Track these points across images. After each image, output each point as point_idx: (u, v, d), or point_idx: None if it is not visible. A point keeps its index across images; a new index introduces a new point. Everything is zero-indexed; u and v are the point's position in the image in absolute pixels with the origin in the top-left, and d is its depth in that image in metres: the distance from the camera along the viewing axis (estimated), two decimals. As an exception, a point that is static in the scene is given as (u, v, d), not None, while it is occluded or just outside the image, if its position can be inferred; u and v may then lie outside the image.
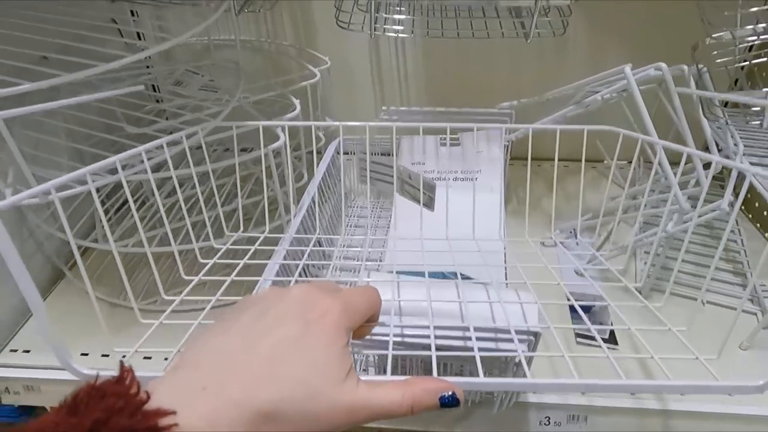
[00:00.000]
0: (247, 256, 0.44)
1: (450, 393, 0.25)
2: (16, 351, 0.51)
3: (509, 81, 0.69)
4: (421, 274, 0.42)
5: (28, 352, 0.51)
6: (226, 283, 0.40)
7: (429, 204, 0.49)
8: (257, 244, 0.46)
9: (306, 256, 0.45)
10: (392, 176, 0.51)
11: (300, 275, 0.46)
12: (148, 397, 0.19)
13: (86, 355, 0.50)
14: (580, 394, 0.46)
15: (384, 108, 0.64)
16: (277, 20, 0.71)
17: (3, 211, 0.27)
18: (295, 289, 0.26)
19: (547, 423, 0.47)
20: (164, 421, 0.18)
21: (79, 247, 0.62)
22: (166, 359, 0.39)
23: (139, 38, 0.74)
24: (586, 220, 0.67)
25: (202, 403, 0.20)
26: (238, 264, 0.43)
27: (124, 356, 0.34)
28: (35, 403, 0.51)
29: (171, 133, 0.48)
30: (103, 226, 0.58)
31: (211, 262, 0.42)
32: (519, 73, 0.68)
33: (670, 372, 0.31)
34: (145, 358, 0.41)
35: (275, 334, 0.23)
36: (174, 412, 0.19)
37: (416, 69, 0.71)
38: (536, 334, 0.37)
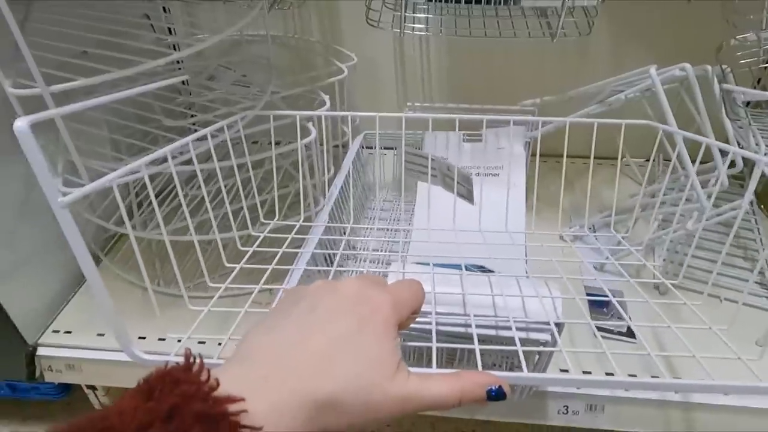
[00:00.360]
0: (285, 244, 0.45)
1: (497, 387, 0.26)
2: (58, 332, 0.54)
3: (532, 79, 0.70)
4: (452, 266, 0.44)
5: (69, 333, 0.54)
6: (268, 272, 0.41)
7: (468, 197, 0.50)
8: (293, 232, 0.47)
9: (342, 246, 0.47)
10: (424, 167, 0.53)
11: (329, 265, 0.48)
12: (218, 384, 0.20)
13: (102, 335, 0.53)
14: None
15: (409, 104, 0.66)
16: (305, 17, 0.73)
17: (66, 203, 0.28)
18: (346, 284, 0.27)
19: (566, 411, 0.48)
20: (234, 407, 0.19)
21: (113, 234, 0.65)
22: (201, 343, 0.41)
23: (170, 33, 0.76)
24: (605, 217, 0.68)
25: (265, 393, 0.21)
26: (269, 251, 0.44)
27: (179, 340, 0.35)
28: (75, 381, 0.54)
29: (205, 125, 0.51)
30: (142, 214, 0.60)
31: (251, 249, 0.44)
32: (542, 71, 0.69)
33: (696, 367, 0.32)
34: (199, 342, 0.42)
35: (329, 329, 0.24)
36: (243, 399, 0.20)
37: (439, 66, 0.73)
38: (560, 326, 0.38)
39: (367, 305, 0.26)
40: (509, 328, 0.35)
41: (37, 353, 0.52)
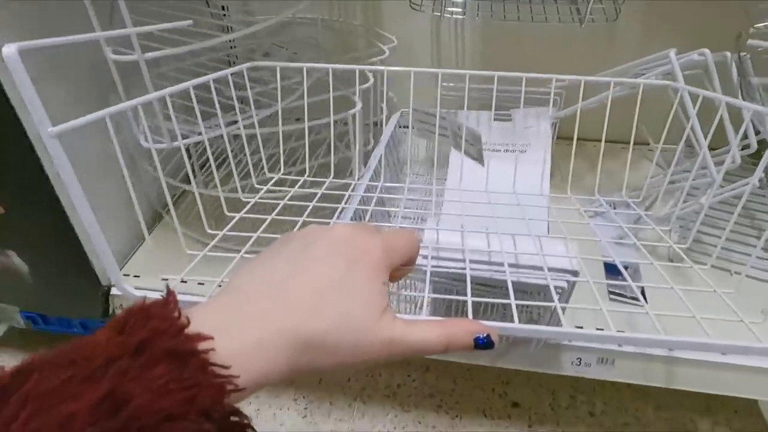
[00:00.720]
0: (288, 197, 0.47)
1: (485, 335, 0.26)
2: (128, 275, 0.61)
3: (561, 63, 0.74)
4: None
5: (137, 276, 0.61)
6: (267, 221, 0.43)
7: (478, 157, 0.55)
8: (297, 186, 0.50)
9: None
10: (433, 125, 0.57)
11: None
12: (189, 321, 0.20)
13: (166, 279, 0.59)
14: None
15: (444, 84, 0.70)
16: (349, 1, 0.78)
17: (58, 136, 0.28)
18: (338, 228, 0.27)
19: (578, 363, 0.53)
20: (204, 345, 0.19)
21: (174, 193, 0.72)
22: (200, 283, 0.42)
23: (223, 10, 0.83)
24: (625, 194, 0.72)
25: (248, 328, 0.21)
26: (277, 206, 0.46)
27: (164, 278, 0.36)
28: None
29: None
30: (203, 175, 0.67)
31: (253, 200, 0.47)
32: (570, 55, 0.73)
33: (697, 328, 0.32)
34: (199, 284, 0.43)
35: (319, 267, 0.24)
36: (212, 338, 0.20)
37: (473, 49, 0.77)
38: (575, 275, 0.43)
39: (358, 247, 0.26)
40: (505, 275, 0.38)
41: (111, 293, 0.59)
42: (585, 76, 0.53)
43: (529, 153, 0.67)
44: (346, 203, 0.50)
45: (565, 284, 0.42)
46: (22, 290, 0.63)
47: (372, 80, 0.60)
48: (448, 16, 0.56)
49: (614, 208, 0.72)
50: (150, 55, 0.43)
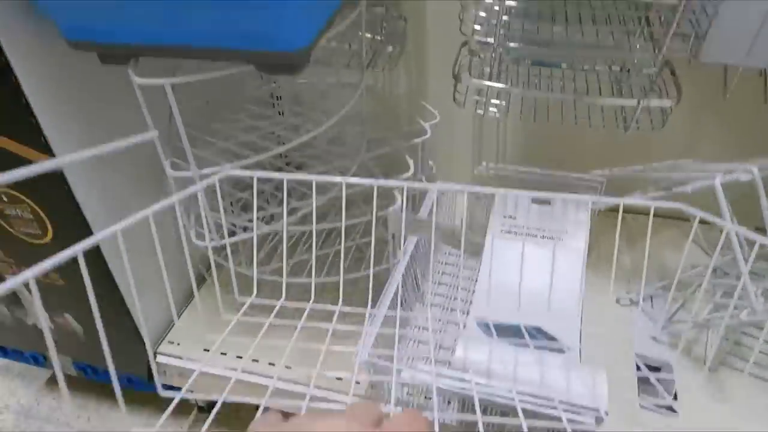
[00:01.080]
0: (271, 316, 0.48)
1: None
2: (172, 343, 0.65)
3: (604, 149, 0.74)
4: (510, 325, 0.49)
5: (179, 344, 0.64)
6: (253, 346, 0.46)
7: (476, 251, 0.55)
8: (275, 311, 0.49)
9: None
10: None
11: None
12: None
13: (207, 350, 0.63)
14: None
15: (484, 164, 0.71)
16: (394, 73, 0.79)
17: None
18: (327, 427, 0.21)
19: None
20: None
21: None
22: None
23: (281, 115, 0.84)
24: (661, 287, 0.71)
25: None
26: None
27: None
28: (182, 385, 0.65)
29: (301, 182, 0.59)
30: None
31: (233, 321, 0.48)
32: (615, 143, 0.72)
33: None
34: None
35: None
36: None
37: (515, 131, 0.78)
38: (603, 415, 0.43)
39: None
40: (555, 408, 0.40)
41: (156, 360, 0.63)
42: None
43: (566, 241, 0.67)
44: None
45: (593, 422, 0.42)
46: (76, 345, 0.68)
47: (412, 170, 0.62)
48: (491, 115, 0.56)
49: (651, 299, 0.71)
50: (205, 171, 0.45)
